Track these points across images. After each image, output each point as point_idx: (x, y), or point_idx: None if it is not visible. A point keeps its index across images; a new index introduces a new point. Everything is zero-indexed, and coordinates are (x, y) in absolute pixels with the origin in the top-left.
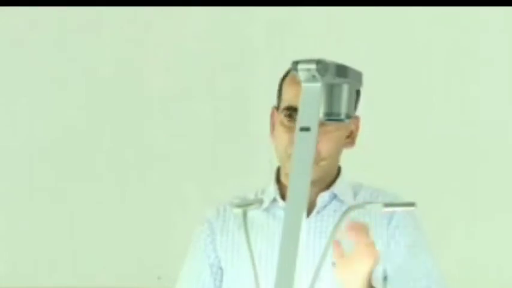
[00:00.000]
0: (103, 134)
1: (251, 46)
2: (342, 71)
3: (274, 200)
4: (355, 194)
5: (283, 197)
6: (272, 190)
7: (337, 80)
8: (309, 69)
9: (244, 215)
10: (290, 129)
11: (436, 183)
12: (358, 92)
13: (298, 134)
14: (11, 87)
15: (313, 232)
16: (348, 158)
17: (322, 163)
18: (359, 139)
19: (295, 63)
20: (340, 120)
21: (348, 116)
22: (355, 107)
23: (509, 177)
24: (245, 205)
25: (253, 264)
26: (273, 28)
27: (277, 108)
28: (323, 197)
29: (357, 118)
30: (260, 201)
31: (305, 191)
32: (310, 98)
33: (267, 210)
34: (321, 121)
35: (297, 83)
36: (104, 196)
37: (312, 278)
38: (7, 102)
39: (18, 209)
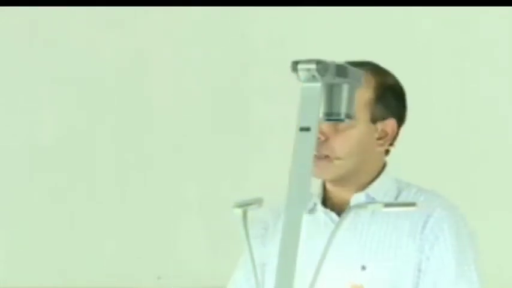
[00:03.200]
0: (103, 134)
1: (251, 46)
2: (342, 71)
3: (315, 204)
4: (399, 193)
5: (325, 201)
6: (316, 193)
7: (337, 80)
8: (309, 69)
9: (244, 215)
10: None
11: (435, 183)
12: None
13: (298, 134)
14: (11, 87)
15: (347, 233)
16: None
17: (337, 162)
18: None
19: (295, 63)
20: (340, 120)
21: (348, 116)
22: (392, 110)
23: (509, 176)
24: (245, 205)
25: (253, 266)
26: (273, 28)
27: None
28: (357, 197)
29: (392, 120)
30: (260, 201)
31: (305, 191)
32: (310, 98)
33: (310, 212)
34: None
35: None
36: (103, 196)
37: (312, 277)
38: (7, 102)
39: (18, 209)
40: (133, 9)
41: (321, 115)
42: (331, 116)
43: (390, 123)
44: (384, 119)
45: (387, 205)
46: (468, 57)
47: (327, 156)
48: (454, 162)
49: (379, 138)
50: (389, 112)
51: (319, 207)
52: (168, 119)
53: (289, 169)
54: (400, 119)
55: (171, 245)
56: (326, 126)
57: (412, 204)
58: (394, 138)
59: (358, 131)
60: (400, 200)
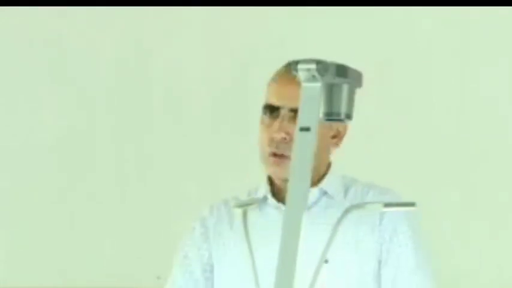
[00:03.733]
0: (103, 134)
1: (251, 46)
2: (342, 71)
3: (265, 198)
4: (346, 190)
5: (275, 195)
6: (263, 189)
7: (337, 80)
8: (309, 69)
9: (244, 214)
10: (268, 126)
11: (435, 183)
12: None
13: (298, 134)
14: (10, 87)
15: (304, 229)
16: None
17: None
18: (360, 138)
19: (295, 63)
20: (340, 120)
21: (348, 116)
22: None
23: (509, 176)
24: (245, 205)
25: (253, 265)
26: (273, 28)
27: None
28: (312, 193)
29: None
30: (258, 201)
31: (305, 191)
32: (310, 98)
33: (259, 209)
34: (296, 116)
35: (277, 80)
36: (103, 196)
37: (312, 276)
38: (7, 102)
39: (18, 209)
40: (133, 9)
41: (321, 115)
42: (331, 116)
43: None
44: None
45: (387, 205)
46: (468, 57)
47: (287, 157)
48: (454, 162)
49: (333, 137)
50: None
51: (271, 202)
52: (168, 118)
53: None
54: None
55: (171, 245)
56: (290, 125)
57: (412, 204)
58: (344, 136)
59: (325, 130)
60: (350, 195)
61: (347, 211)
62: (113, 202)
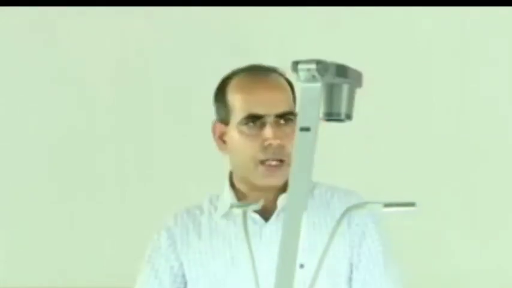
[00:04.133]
0: (103, 134)
1: (251, 46)
2: (342, 71)
3: (232, 206)
4: (310, 193)
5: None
6: (228, 196)
7: (337, 80)
8: (309, 69)
9: (244, 215)
10: (254, 137)
11: (435, 183)
12: None
13: (298, 134)
14: (10, 87)
15: (275, 235)
16: (348, 158)
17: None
18: (361, 139)
19: (295, 63)
20: (340, 120)
21: (348, 116)
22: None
23: (509, 176)
24: (245, 205)
25: (254, 266)
26: (273, 28)
27: (222, 121)
28: (283, 199)
29: None
30: (259, 202)
31: (305, 191)
32: (310, 98)
33: (226, 216)
34: (279, 122)
35: (246, 87)
36: (103, 196)
37: (311, 278)
38: (7, 102)
39: (18, 209)
40: (133, 9)
41: (321, 115)
42: (331, 116)
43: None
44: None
45: (386, 205)
46: (468, 57)
47: (281, 161)
48: (454, 162)
49: None
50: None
51: (236, 211)
52: (168, 118)
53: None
54: None
55: None
56: (279, 130)
57: (412, 204)
58: None
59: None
60: (314, 198)
61: (347, 211)
62: (113, 202)
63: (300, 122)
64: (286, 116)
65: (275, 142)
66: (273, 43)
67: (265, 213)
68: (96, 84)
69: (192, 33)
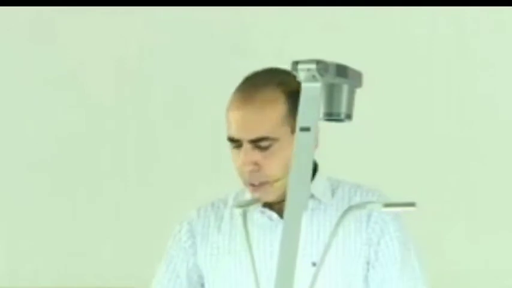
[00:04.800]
0: (103, 135)
1: (251, 46)
2: (342, 71)
3: (233, 205)
4: (333, 191)
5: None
6: (248, 194)
7: (337, 80)
8: (309, 69)
9: (244, 214)
10: (237, 156)
11: (435, 183)
12: None
13: (298, 134)
14: (10, 88)
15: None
16: (348, 158)
17: (277, 184)
18: (361, 139)
19: (295, 63)
20: (340, 120)
21: (348, 116)
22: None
23: (510, 177)
24: (246, 205)
25: (254, 267)
26: (273, 28)
27: None
28: None
29: None
30: (259, 201)
31: (305, 191)
32: (310, 98)
33: (243, 214)
34: (258, 145)
35: (232, 109)
36: (104, 196)
37: (313, 276)
38: (7, 102)
39: (18, 209)
40: (133, 9)
41: (321, 115)
42: (331, 116)
43: None
44: None
45: (386, 205)
46: (468, 57)
47: (265, 182)
48: (454, 162)
49: None
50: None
51: (238, 210)
52: (168, 119)
53: (290, 169)
54: None
55: None
56: (255, 154)
57: (412, 204)
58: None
59: (285, 148)
60: (337, 197)
61: (347, 211)
62: (113, 202)
63: (300, 122)
64: (262, 142)
65: (246, 168)
66: (273, 43)
67: (282, 211)
68: (96, 84)
69: (192, 34)
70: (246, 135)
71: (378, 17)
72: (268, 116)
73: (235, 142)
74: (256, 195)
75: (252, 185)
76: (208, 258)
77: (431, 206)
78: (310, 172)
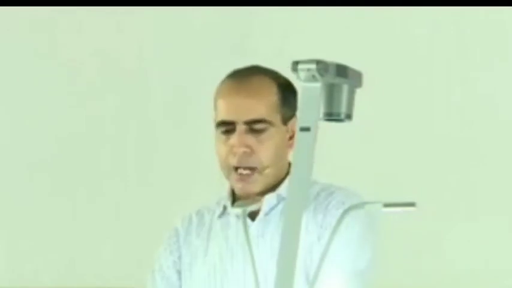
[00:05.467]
0: (104, 135)
1: (251, 46)
2: (342, 71)
3: (225, 207)
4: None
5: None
6: (225, 198)
7: (337, 80)
8: (309, 69)
9: (244, 214)
10: (226, 142)
11: (435, 183)
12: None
13: (298, 134)
14: (11, 88)
15: (261, 235)
16: (348, 158)
17: (266, 171)
18: (361, 139)
19: (295, 63)
20: (340, 120)
21: (348, 116)
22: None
23: (510, 176)
24: (245, 205)
25: (254, 269)
26: (273, 28)
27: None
28: (269, 199)
29: (295, 118)
30: (259, 201)
31: (305, 191)
32: (310, 98)
33: (220, 217)
34: (252, 128)
35: (227, 94)
36: (104, 196)
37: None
38: (7, 101)
39: (18, 210)
40: (133, 10)
41: (321, 115)
42: (331, 116)
43: (295, 121)
44: (290, 118)
45: (386, 205)
46: (468, 57)
47: (253, 169)
48: (454, 162)
49: (290, 138)
50: (293, 110)
51: (231, 210)
52: (169, 119)
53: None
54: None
55: None
56: (249, 137)
57: (412, 204)
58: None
59: (277, 135)
60: (310, 198)
61: (346, 211)
62: (113, 202)
63: (300, 122)
64: (258, 124)
65: (239, 150)
66: (273, 43)
67: (253, 213)
68: (96, 84)
69: (192, 34)
70: (242, 117)
71: (378, 17)
72: (265, 99)
73: (228, 125)
74: (239, 186)
75: (239, 173)
76: (187, 260)
77: (431, 206)
78: (311, 172)
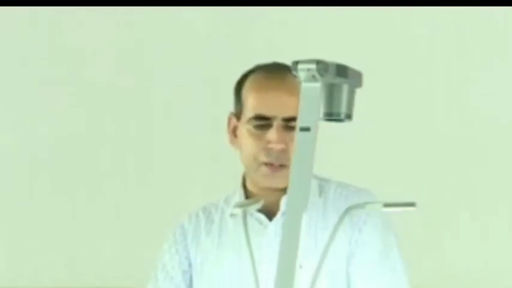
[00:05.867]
0: (104, 135)
1: (251, 46)
2: (342, 71)
3: (234, 205)
4: (321, 190)
5: None
6: (237, 196)
7: (337, 80)
8: (309, 69)
9: (244, 214)
10: (258, 137)
11: (435, 183)
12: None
13: (298, 134)
14: (10, 88)
15: (279, 235)
16: (348, 158)
17: None
18: (361, 139)
19: (295, 63)
20: (340, 120)
21: (348, 116)
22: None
23: (510, 176)
24: (245, 205)
25: (254, 267)
26: (273, 28)
27: (236, 115)
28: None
29: None
30: (259, 201)
31: (305, 191)
32: (310, 98)
33: (234, 216)
34: (288, 125)
35: (261, 88)
36: (104, 196)
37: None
38: (7, 101)
39: (18, 209)
40: (133, 10)
41: (321, 115)
42: (331, 116)
43: None
44: None
45: (386, 205)
46: (468, 57)
47: (283, 166)
48: (454, 162)
49: None
50: None
51: (238, 209)
52: (169, 120)
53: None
54: None
55: None
56: (285, 134)
57: (412, 204)
58: None
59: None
60: (324, 196)
61: (347, 210)
62: (113, 202)
63: (300, 122)
64: (293, 121)
65: (278, 146)
66: (273, 43)
67: (271, 214)
68: (96, 84)
69: (193, 34)
70: (281, 113)
71: (378, 17)
72: (296, 96)
73: (264, 120)
74: (268, 180)
75: (271, 168)
76: (198, 260)
77: (431, 206)
78: (311, 172)
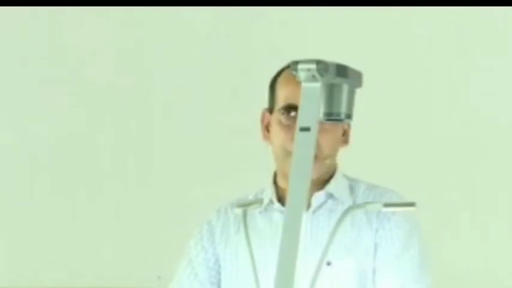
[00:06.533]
0: (103, 135)
1: (251, 46)
2: (342, 71)
3: (271, 202)
4: (351, 190)
5: (279, 199)
6: (269, 192)
7: (337, 80)
8: (309, 69)
9: (244, 214)
10: (288, 128)
11: (435, 183)
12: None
13: (298, 134)
14: (11, 88)
15: (309, 232)
16: (348, 157)
17: (327, 161)
18: (361, 139)
19: (295, 63)
20: (340, 120)
21: (348, 116)
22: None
23: (510, 176)
24: (245, 205)
25: (253, 266)
26: (273, 28)
27: (269, 110)
28: (318, 196)
29: None
30: (260, 201)
31: (305, 191)
32: (310, 98)
33: (263, 213)
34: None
35: (292, 81)
36: (104, 196)
37: (311, 277)
38: (7, 101)
39: (18, 209)
40: (133, 10)
41: (320, 115)
42: (331, 116)
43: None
44: None
45: (386, 205)
46: (468, 57)
47: (316, 157)
48: (454, 162)
49: (343, 135)
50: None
51: (277, 206)
52: (169, 120)
53: (289, 167)
54: None
55: (171, 245)
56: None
57: (411, 204)
58: (349, 133)
59: (336, 128)
60: (354, 196)
61: (347, 211)
62: (113, 202)
63: (300, 122)
64: None
65: None
66: (273, 43)
67: None
68: (96, 85)
69: (193, 34)
70: None
71: (378, 17)
72: None
73: (295, 110)
74: None
75: None
76: (227, 256)
77: (431, 206)
78: (311, 172)
